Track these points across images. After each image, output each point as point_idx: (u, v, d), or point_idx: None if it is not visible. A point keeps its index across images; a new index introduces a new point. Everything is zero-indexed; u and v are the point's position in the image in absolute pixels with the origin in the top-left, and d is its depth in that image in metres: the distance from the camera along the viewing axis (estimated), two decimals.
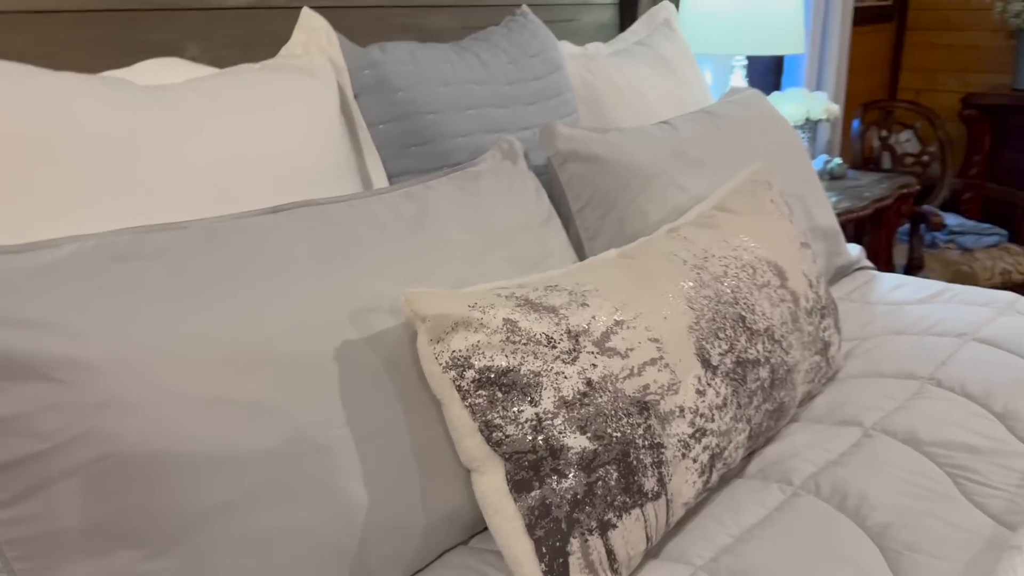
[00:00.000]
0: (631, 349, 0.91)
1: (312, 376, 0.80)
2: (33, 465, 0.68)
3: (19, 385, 0.67)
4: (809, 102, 2.49)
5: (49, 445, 0.68)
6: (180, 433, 0.71)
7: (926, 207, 2.81)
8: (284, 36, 1.58)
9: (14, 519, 0.68)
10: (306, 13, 1.26)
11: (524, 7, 1.57)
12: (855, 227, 2.57)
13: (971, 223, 2.98)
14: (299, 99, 1.11)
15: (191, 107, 0.99)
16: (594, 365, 0.88)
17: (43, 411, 0.67)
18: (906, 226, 2.85)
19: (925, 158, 3.38)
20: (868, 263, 1.86)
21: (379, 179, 1.23)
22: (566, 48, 1.70)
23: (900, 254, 2.90)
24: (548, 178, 1.29)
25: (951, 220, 2.98)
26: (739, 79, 2.27)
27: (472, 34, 1.88)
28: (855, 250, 1.85)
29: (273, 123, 1.06)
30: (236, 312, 0.78)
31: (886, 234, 2.61)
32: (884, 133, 3.37)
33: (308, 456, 0.77)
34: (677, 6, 2.31)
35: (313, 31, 1.24)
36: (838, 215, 2.18)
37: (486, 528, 0.96)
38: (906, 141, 3.55)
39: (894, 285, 1.74)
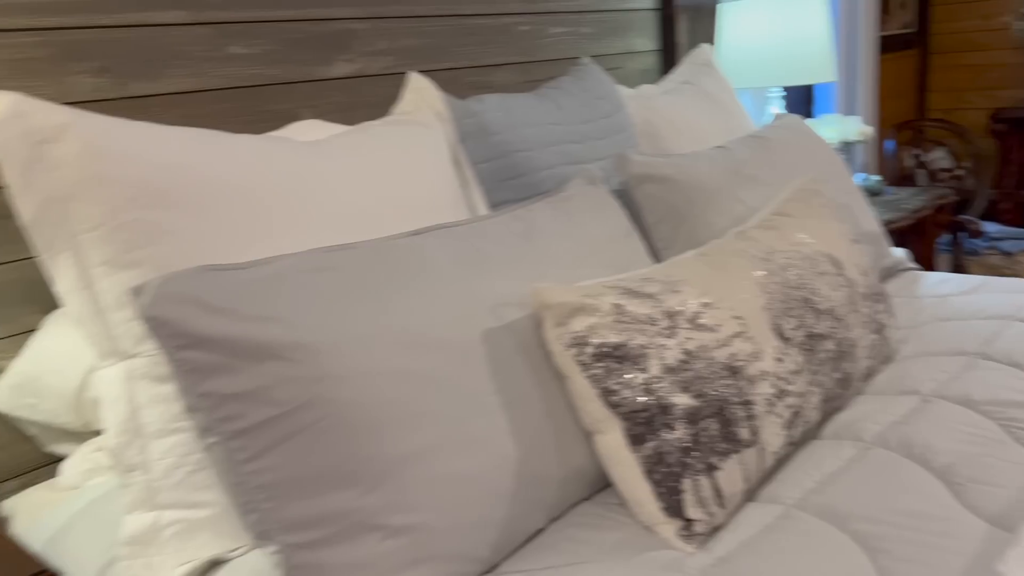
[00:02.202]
0: (719, 325, 1.09)
1: (468, 355, 1.00)
2: (273, 426, 0.88)
3: (260, 365, 0.88)
4: (843, 125, 2.68)
5: (284, 410, 0.88)
6: (379, 398, 0.91)
7: (963, 216, 2.96)
8: (376, 99, 1.83)
9: (260, 469, 0.88)
10: (414, 77, 1.50)
11: (586, 58, 1.80)
12: (897, 238, 2.73)
13: (1010, 229, 3.12)
14: (419, 146, 1.33)
15: (340, 157, 1.21)
16: (689, 338, 1.07)
17: (278, 384, 0.88)
18: (947, 237, 2.99)
19: (959, 172, 3.53)
20: (913, 264, 2.02)
21: (482, 208, 1.44)
22: (623, 91, 1.92)
23: (943, 264, 3.05)
24: (623, 200, 1.49)
25: (990, 227, 3.12)
26: (778, 109, 2.47)
27: (531, 86, 2.12)
28: (900, 253, 2.02)
29: (402, 166, 1.28)
30: (407, 306, 0.99)
31: (927, 243, 2.76)
32: (917, 152, 3.54)
33: (472, 417, 0.97)
34: (715, 47, 2.53)
35: (421, 90, 1.47)
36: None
37: (605, 487, 1.14)
38: (940, 158, 3.71)
39: (938, 281, 1.89)
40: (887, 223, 2.47)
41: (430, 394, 0.94)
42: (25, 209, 1.02)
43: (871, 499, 1.06)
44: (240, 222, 1.06)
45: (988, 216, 3.51)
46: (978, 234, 2.85)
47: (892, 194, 2.81)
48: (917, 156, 3.54)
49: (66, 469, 1.30)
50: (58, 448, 1.39)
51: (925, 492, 1.07)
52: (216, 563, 1.03)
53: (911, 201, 2.67)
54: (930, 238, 2.79)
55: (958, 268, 2.91)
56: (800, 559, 0.95)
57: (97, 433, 1.36)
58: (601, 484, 1.12)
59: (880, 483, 1.09)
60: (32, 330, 1.37)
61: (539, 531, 1.05)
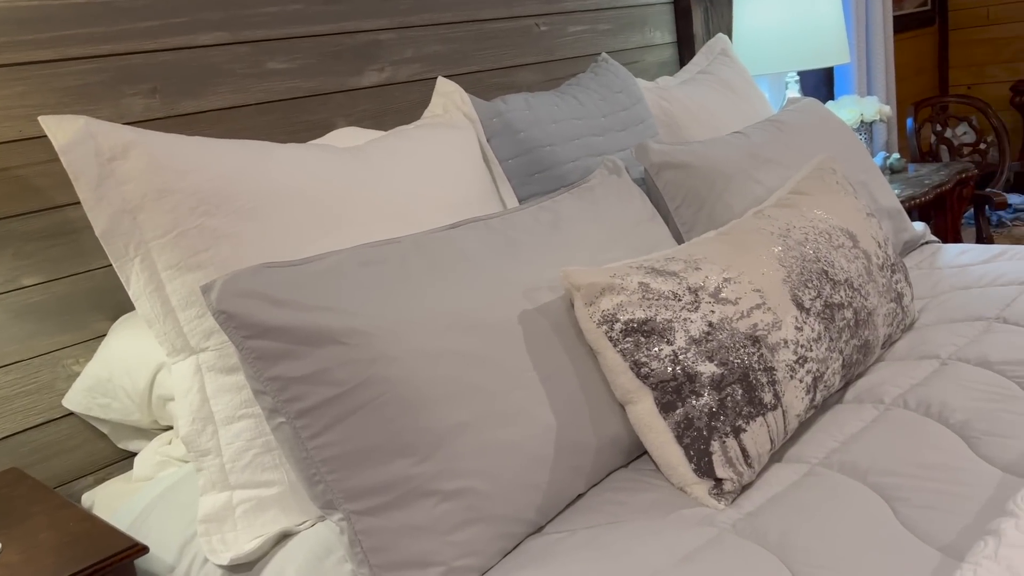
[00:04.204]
0: (739, 298, 1.17)
1: (506, 334, 1.09)
2: (334, 405, 0.97)
3: (320, 349, 0.97)
4: (861, 106, 2.72)
5: (343, 389, 0.97)
6: (427, 375, 1.00)
7: (988, 189, 2.98)
8: (405, 105, 1.93)
9: (324, 444, 0.97)
10: (441, 81, 1.59)
11: (604, 54, 1.87)
12: (920, 213, 2.76)
13: None
14: (450, 147, 1.42)
15: (378, 160, 1.30)
16: (712, 311, 1.14)
17: (337, 366, 0.97)
18: (972, 213, 3.02)
19: (983, 146, 3.54)
20: (933, 237, 2.07)
21: (512, 202, 1.52)
22: (641, 83, 1.99)
23: (969, 238, 3.07)
24: (646, 187, 1.57)
25: (1015, 199, 3.14)
26: (794, 93, 2.52)
27: (552, 85, 2.20)
28: (920, 227, 2.07)
29: (436, 166, 1.37)
30: (448, 293, 1.08)
31: (951, 218, 2.79)
32: (939, 128, 3.55)
33: (513, 390, 1.05)
34: (730, 36, 2.60)
35: (448, 94, 1.56)
36: (902, 202, 2.40)
37: (640, 455, 1.22)
38: (963, 134, 3.72)
39: (959, 252, 1.94)
40: (910, 199, 2.51)
41: (474, 370, 1.03)
42: (98, 221, 1.12)
43: (891, 455, 1.12)
44: (292, 224, 1.15)
45: (1013, 188, 3.52)
46: (1003, 206, 2.87)
47: (914, 171, 2.85)
48: (939, 132, 3.56)
49: (139, 463, 1.41)
50: (130, 445, 1.50)
51: (942, 446, 1.13)
52: (285, 536, 1.12)
53: (933, 177, 2.71)
54: (954, 213, 2.83)
55: (983, 240, 2.94)
56: (824, 510, 1.02)
57: (165, 429, 1.47)
58: (636, 452, 1.20)
59: (899, 440, 1.16)
60: (101, 335, 1.48)
61: (580, 496, 1.13)
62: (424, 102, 1.94)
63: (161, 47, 1.54)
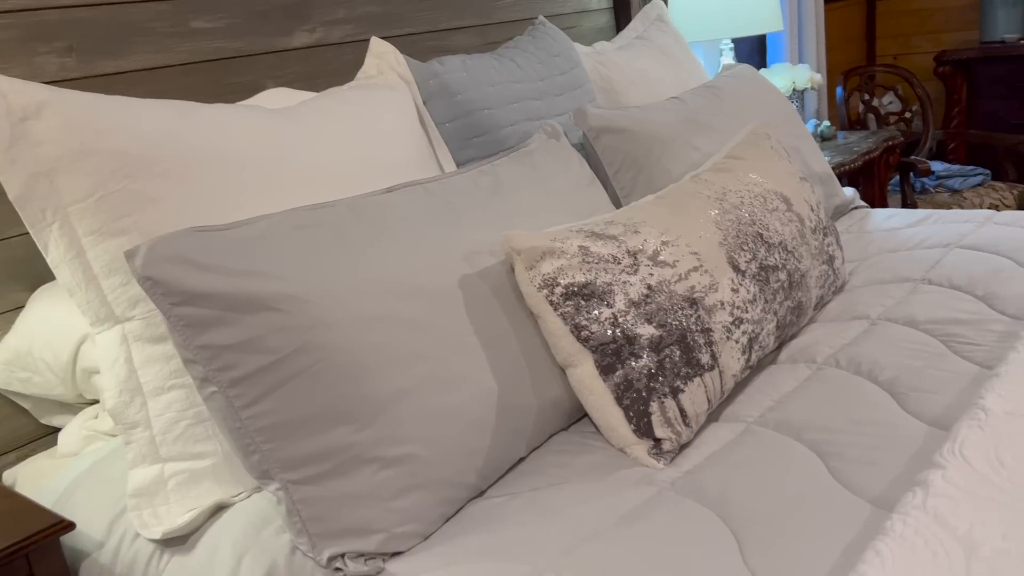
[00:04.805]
0: (677, 261, 1.17)
1: (446, 299, 1.07)
2: (268, 373, 0.94)
3: (252, 316, 0.94)
4: (793, 74, 2.76)
5: (277, 357, 0.94)
6: (365, 342, 0.97)
7: (913, 157, 3.07)
8: (337, 67, 1.87)
9: (259, 413, 0.94)
10: (375, 41, 1.54)
11: (541, 17, 1.85)
12: (849, 180, 2.83)
13: (956, 167, 3.24)
14: (386, 108, 1.39)
15: (310, 121, 1.26)
16: (651, 274, 1.14)
17: (271, 333, 0.94)
18: (897, 179, 3.11)
19: (908, 115, 3.64)
20: (862, 203, 2.12)
21: (449, 166, 1.50)
22: (579, 48, 1.97)
23: (894, 204, 3.16)
24: (585, 152, 1.56)
25: (938, 167, 3.23)
26: (728, 60, 2.54)
27: (488, 49, 2.16)
28: (849, 192, 2.11)
29: (371, 128, 1.33)
30: (387, 257, 1.05)
31: (878, 184, 2.87)
32: (867, 97, 3.63)
33: (453, 355, 1.04)
34: (666, 3, 2.60)
35: (383, 55, 1.52)
36: (832, 169, 2.44)
37: (580, 417, 1.22)
38: (889, 103, 3.81)
39: (887, 216, 1.99)
40: (839, 165, 2.57)
41: (413, 336, 1.01)
42: (12, 186, 1.06)
43: (823, 412, 1.15)
44: (220, 187, 1.11)
45: (936, 156, 3.63)
46: (927, 173, 2.96)
47: (843, 138, 2.91)
48: (867, 101, 3.64)
49: (63, 438, 1.36)
50: (53, 420, 1.45)
51: (872, 403, 1.16)
52: (220, 508, 1.10)
53: (861, 144, 2.77)
54: (881, 179, 2.90)
55: (908, 206, 3.03)
56: (760, 467, 1.04)
57: (91, 403, 1.41)
58: (576, 415, 1.20)
59: (831, 398, 1.19)
60: (20, 307, 1.41)
61: (522, 459, 1.13)
62: (357, 65, 1.88)
63: (77, 3, 1.45)
